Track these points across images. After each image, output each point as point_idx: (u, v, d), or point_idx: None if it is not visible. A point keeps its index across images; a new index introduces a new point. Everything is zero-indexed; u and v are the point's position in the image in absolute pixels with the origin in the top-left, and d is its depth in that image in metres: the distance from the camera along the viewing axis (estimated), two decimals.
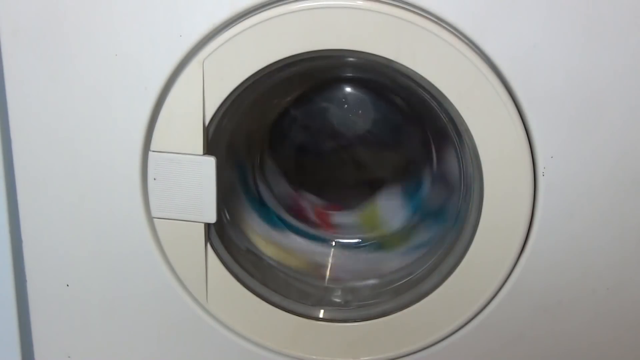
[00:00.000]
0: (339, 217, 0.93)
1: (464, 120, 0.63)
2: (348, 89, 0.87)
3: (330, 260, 0.88)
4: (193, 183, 0.68)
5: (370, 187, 0.93)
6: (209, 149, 0.68)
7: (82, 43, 0.65)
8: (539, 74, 0.61)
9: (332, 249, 0.90)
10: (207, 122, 0.66)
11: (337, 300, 0.80)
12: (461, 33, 0.61)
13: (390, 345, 0.74)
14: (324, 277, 0.85)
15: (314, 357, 0.75)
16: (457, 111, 0.63)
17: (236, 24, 0.63)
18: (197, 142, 0.66)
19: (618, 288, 0.69)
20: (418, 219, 0.89)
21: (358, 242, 0.90)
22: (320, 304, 0.78)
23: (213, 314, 0.74)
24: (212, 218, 0.69)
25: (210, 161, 0.67)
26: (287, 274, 0.82)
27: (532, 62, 0.61)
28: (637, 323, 0.71)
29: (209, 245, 0.71)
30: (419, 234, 0.87)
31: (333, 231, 0.91)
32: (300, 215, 0.91)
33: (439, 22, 0.61)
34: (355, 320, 0.74)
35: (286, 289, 0.79)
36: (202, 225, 0.70)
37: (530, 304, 0.70)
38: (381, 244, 0.89)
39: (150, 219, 0.70)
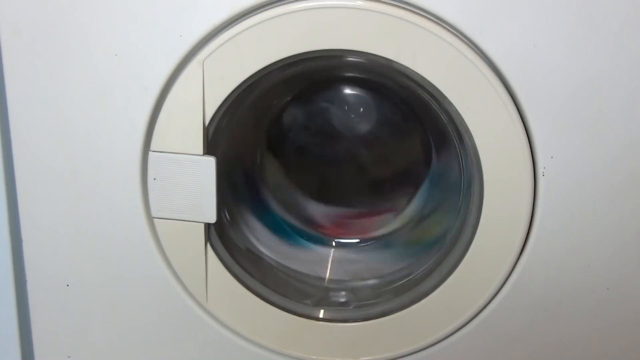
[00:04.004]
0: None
1: (464, 120, 0.63)
2: (348, 89, 0.87)
3: (330, 260, 0.88)
4: (193, 183, 0.68)
5: (370, 187, 0.93)
6: (209, 149, 0.68)
7: (82, 43, 0.65)
8: (539, 74, 0.61)
9: (333, 249, 0.90)
10: (207, 122, 0.66)
11: (337, 300, 0.80)
12: (461, 33, 0.61)
13: (390, 345, 0.74)
14: (324, 277, 0.85)
15: (314, 357, 0.75)
16: (457, 111, 0.63)
17: (236, 24, 0.63)
18: (197, 142, 0.66)
19: (618, 288, 0.69)
20: (417, 219, 0.89)
21: (358, 242, 0.90)
22: (320, 304, 0.78)
23: (213, 314, 0.74)
24: (212, 218, 0.69)
25: (210, 161, 0.67)
26: (287, 273, 0.82)
27: (532, 62, 0.61)
28: (636, 323, 0.71)
29: (209, 245, 0.71)
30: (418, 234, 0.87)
31: (333, 231, 0.91)
32: (299, 215, 0.91)
33: (439, 22, 0.61)
34: (355, 320, 0.74)
35: (286, 289, 0.79)
36: (202, 225, 0.70)
37: (530, 304, 0.70)
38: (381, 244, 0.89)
39: (150, 219, 0.70)
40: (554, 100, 0.62)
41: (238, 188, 0.86)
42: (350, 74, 0.85)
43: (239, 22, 0.63)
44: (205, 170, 0.68)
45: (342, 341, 0.74)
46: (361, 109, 0.88)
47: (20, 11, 0.65)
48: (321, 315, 0.76)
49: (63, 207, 0.72)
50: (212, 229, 0.72)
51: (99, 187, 0.70)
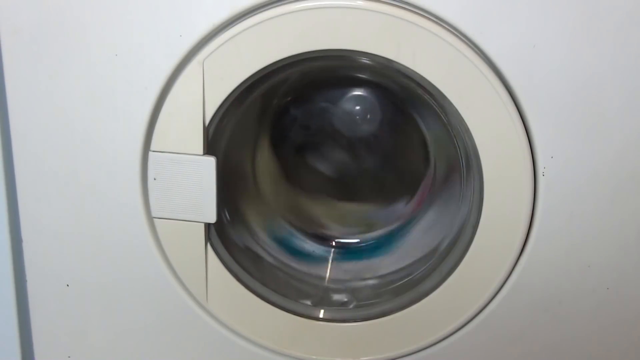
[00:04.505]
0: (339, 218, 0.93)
1: (464, 120, 0.63)
2: (348, 89, 0.87)
3: (330, 260, 0.88)
4: (193, 183, 0.68)
5: (370, 188, 0.93)
6: (209, 149, 0.68)
7: (82, 43, 0.65)
8: (539, 74, 0.61)
9: (333, 249, 0.90)
10: (207, 122, 0.66)
11: (337, 300, 0.80)
12: (461, 33, 0.61)
13: (390, 345, 0.74)
14: (324, 277, 0.85)
15: (314, 357, 0.75)
16: (457, 111, 0.63)
17: (236, 24, 0.63)
18: (197, 142, 0.66)
19: (618, 288, 0.69)
20: (417, 219, 0.89)
21: (358, 242, 0.90)
22: (320, 304, 0.78)
23: (213, 314, 0.74)
24: (212, 218, 0.69)
25: (210, 161, 0.67)
26: (287, 273, 0.82)
27: (532, 62, 0.61)
28: (636, 323, 0.71)
29: (209, 245, 0.71)
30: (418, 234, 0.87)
31: (332, 231, 0.91)
32: (299, 215, 0.91)
33: (439, 22, 0.61)
34: (355, 320, 0.74)
35: (286, 288, 0.79)
36: (202, 225, 0.70)
37: (530, 304, 0.70)
38: (381, 245, 0.89)
39: (150, 219, 0.70)
40: (554, 100, 0.62)
41: (238, 188, 0.86)
42: (350, 74, 0.85)
43: (239, 22, 0.63)
44: (205, 170, 0.68)
45: (342, 341, 0.74)
46: (361, 109, 0.88)
47: (20, 11, 0.65)
48: (321, 315, 0.76)
49: (63, 207, 0.72)
50: (212, 229, 0.72)
51: (99, 187, 0.70)
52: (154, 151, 0.68)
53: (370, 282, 0.83)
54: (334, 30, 0.62)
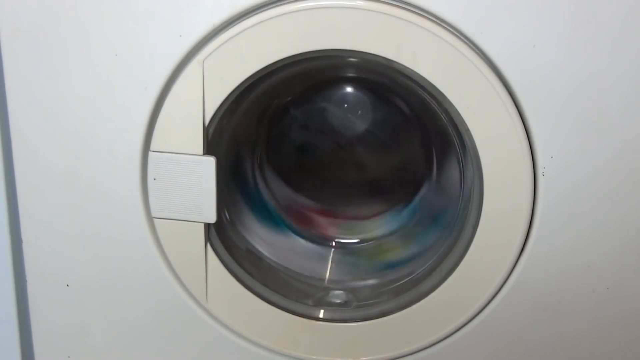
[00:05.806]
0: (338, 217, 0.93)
1: (464, 120, 0.63)
2: (348, 89, 0.87)
3: (330, 260, 0.88)
4: (193, 183, 0.68)
5: (370, 188, 0.93)
6: (209, 149, 0.68)
7: (82, 43, 0.65)
8: (539, 74, 0.61)
9: (332, 249, 0.90)
10: (207, 122, 0.66)
11: (337, 300, 0.80)
12: (461, 33, 0.61)
13: (390, 345, 0.74)
14: (324, 277, 0.85)
15: (314, 357, 0.75)
16: (457, 111, 0.63)
17: (236, 24, 0.63)
18: (197, 142, 0.66)
19: (618, 288, 0.69)
20: (417, 221, 0.89)
21: (358, 242, 0.90)
22: (320, 304, 0.78)
23: (213, 314, 0.74)
24: (212, 218, 0.69)
25: (210, 161, 0.67)
26: (287, 274, 0.82)
27: (532, 62, 0.61)
28: (636, 323, 0.71)
29: (209, 245, 0.71)
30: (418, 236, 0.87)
31: (332, 231, 0.91)
32: (299, 215, 0.91)
33: (439, 22, 0.61)
34: (355, 320, 0.74)
35: (286, 289, 0.79)
36: (202, 225, 0.70)
37: (530, 304, 0.70)
38: (381, 245, 0.89)
39: (150, 219, 0.70)
40: (554, 100, 0.62)
41: (238, 188, 0.86)
42: (350, 74, 0.85)
43: (239, 22, 0.63)
44: (205, 170, 0.68)
45: (342, 341, 0.74)
46: (361, 109, 0.88)
47: (20, 11, 0.65)
48: (321, 315, 0.76)
49: (63, 207, 0.72)
50: (212, 229, 0.72)
51: (99, 187, 0.70)
52: (153, 151, 0.68)
53: (370, 282, 0.83)
54: (334, 30, 0.62)
